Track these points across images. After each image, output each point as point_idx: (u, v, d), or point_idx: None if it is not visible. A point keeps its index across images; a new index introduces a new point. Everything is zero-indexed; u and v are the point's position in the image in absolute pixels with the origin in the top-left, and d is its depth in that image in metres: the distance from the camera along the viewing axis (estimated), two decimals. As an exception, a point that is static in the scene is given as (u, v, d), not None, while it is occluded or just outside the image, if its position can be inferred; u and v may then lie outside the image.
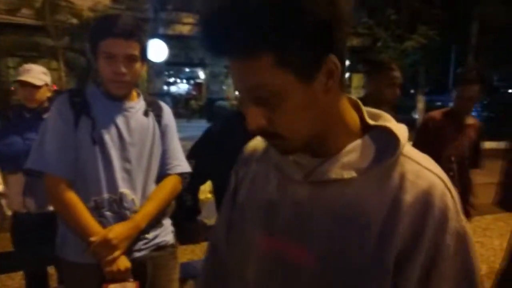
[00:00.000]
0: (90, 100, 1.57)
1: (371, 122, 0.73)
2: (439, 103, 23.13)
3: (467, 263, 0.68)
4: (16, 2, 11.12)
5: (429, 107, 18.18)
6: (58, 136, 1.51)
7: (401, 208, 0.65)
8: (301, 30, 0.59)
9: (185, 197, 2.11)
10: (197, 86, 20.85)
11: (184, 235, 2.12)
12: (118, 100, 1.59)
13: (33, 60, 11.99)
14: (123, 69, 1.49)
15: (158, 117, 1.69)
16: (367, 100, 2.48)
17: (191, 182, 2.08)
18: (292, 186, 0.74)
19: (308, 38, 0.60)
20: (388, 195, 0.66)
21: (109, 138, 1.53)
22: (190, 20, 15.51)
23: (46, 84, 2.51)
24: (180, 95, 20.74)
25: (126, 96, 1.61)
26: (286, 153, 0.72)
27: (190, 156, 2.07)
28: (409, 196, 0.65)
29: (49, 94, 2.53)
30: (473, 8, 14.34)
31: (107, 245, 1.43)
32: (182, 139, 2.02)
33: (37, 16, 10.72)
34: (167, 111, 1.76)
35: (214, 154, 1.99)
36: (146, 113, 1.65)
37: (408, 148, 0.70)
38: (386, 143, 0.69)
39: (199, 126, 2.25)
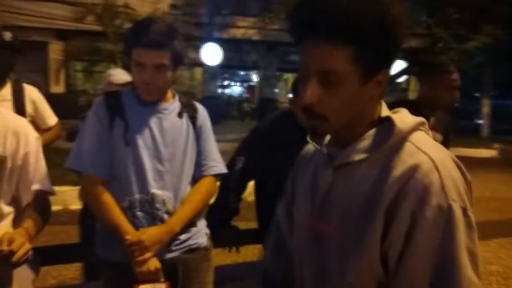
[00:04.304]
0: (125, 102, 1.60)
1: (383, 114, 0.86)
2: (507, 108, 21.52)
3: (448, 241, 0.70)
4: (82, 10, 11.83)
5: (495, 112, 17.00)
6: (95, 137, 1.56)
7: (387, 183, 0.76)
8: (383, 39, 0.76)
9: (231, 197, 2.09)
10: (250, 88, 21.01)
11: (220, 239, 2.09)
12: (151, 103, 1.61)
13: (96, 64, 12.77)
14: (151, 79, 1.51)
15: (193, 118, 1.69)
16: (421, 104, 2.31)
17: (239, 180, 2.06)
18: (324, 172, 0.89)
19: (382, 46, 0.77)
20: (384, 173, 0.78)
21: (142, 139, 1.55)
22: (244, 23, 15.67)
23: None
24: (233, 97, 21.03)
25: (158, 100, 1.62)
26: (323, 133, 0.87)
27: (239, 153, 2.07)
28: (396, 172, 0.76)
29: None
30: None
31: (140, 246, 1.45)
32: (234, 141, 2.02)
33: (99, 22, 11.31)
34: (202, 112, 1.75)
35: (262, 151, 1.98)
36: (180, 115, 1.65)
37: (418, 136, 0.82)
38: (387, 131, 0.81)
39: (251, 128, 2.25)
